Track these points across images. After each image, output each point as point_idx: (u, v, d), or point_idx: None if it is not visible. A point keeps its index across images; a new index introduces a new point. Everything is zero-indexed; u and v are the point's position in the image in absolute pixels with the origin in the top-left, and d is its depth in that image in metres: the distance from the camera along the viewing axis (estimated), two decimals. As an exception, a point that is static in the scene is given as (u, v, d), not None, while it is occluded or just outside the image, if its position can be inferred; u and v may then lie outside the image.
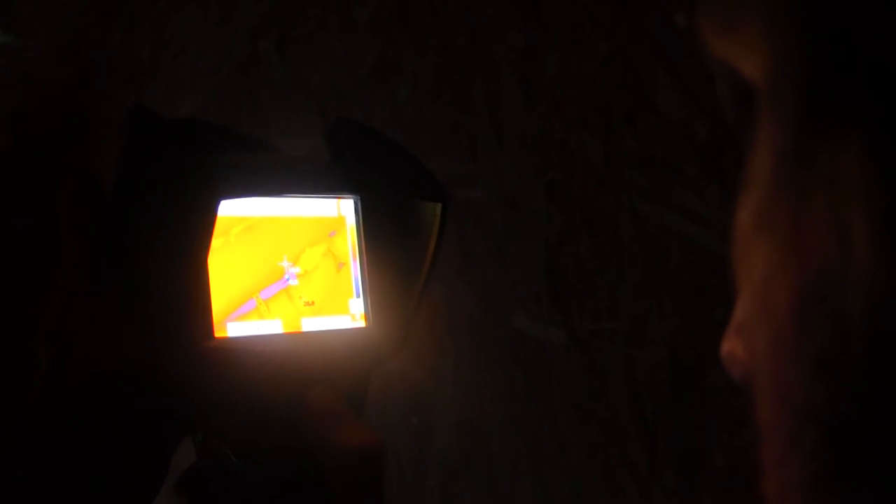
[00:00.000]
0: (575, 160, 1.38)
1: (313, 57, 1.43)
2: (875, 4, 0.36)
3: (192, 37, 1.43)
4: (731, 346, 0.44)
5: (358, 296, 0.76)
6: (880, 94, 0.35)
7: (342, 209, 0.76)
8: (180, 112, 1.43)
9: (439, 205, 0.76)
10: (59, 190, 0.66)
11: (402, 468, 1.41)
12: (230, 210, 0.70)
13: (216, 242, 0.68)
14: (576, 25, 1.37)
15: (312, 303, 0.74)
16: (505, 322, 1.39)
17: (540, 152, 1.39)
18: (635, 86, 1.37)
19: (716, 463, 1.33)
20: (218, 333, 0.69)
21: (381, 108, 1.41)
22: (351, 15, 1.42)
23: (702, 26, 0.42)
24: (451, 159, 1.40)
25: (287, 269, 0.73)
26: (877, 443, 0.36)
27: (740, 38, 0.40)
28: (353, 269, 0.76)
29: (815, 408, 0.37)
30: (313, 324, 0.74)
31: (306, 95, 1.43)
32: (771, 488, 0.39)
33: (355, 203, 0.76)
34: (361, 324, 0.76)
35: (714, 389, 1.33)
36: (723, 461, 1.33)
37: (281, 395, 0.70)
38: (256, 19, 1.43)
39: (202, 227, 0.66)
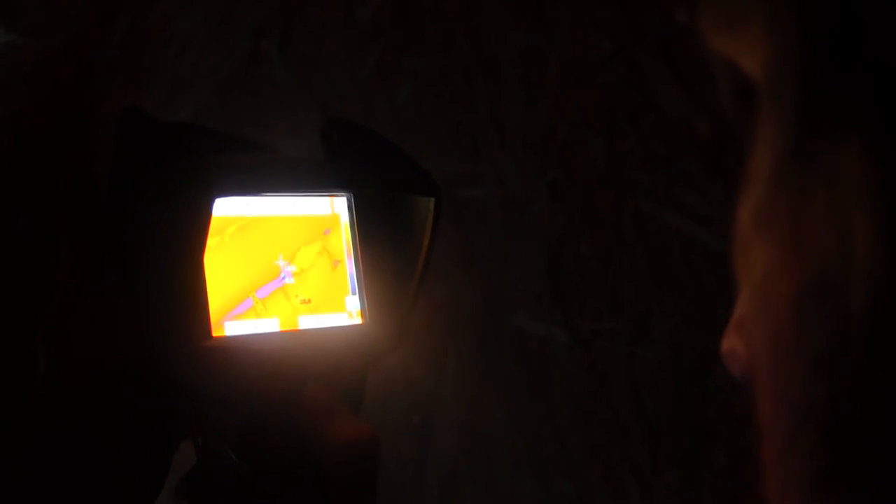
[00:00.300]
0: (576, 159, 1.38)
1: (315, 57, 1.43)
2: (876, 3, 0.36)
3: (194, 36, 1.43)
4: (731, 343, 0.44)
5: (354, 293, 0.76)
6: (881, 93, 0.35)
7: (336, 207, 0.76)
8: (181, 111, 1.43)
9: (432, 200, 0.76)
10: (58, 190, 0.66)
11: (403, 467, 1.41)
12: (225, 210, 0.70)
13: (211, 242, 0.68)
14: (577, 24, 1.37)
15: (309, 301, 0.74)
16: (506, 321, 1.39)
17: (541, 151, 1.39)
18: (637, 84, 1.37)
19: (717, 462, 1.33)
20: (215, 333, 0.69)
21: (383, 107, 1.41)
22: (352, 15, 1.42)
23: (703, 23, 0.42)
24: (452, 159, 1.40)
25: (283, 268, 0.73)
26: (876, 442, 0.36)
27: (741, 35, 0.40)
28: (349, 267, 0.76)
29: (815, 406, 0.37)
30: (310, 322, 0.74)
31: (308, 95, 1.43)
32: (771, 487, 0.39)
33: (349, 200, 0.76)
34: (358, 321, 0.76)
35: (716, 389, 1.33)
36: (724, 460, 1.33)
37: (279, 392, 0.70)
38: (258, 19, 1.43)
39: (198, 226, 0.66)
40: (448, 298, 1.39)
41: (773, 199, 0.38)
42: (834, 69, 0.36)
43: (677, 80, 1.35)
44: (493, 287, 1.40)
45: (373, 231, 0.76)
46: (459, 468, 1.40)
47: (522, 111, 1.40)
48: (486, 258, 1.40)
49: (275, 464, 0.71)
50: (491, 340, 1.40)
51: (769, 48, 0.39)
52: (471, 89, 1.41)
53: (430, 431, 1.40)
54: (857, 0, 0.36)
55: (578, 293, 1.38)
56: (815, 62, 0.37)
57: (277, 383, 0.70)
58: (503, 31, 1.39)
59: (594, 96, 1.38)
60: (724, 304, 1.35)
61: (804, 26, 0.38)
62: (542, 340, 1.38)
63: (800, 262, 0.37)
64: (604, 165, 1.38)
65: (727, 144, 1.32)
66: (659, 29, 1.35)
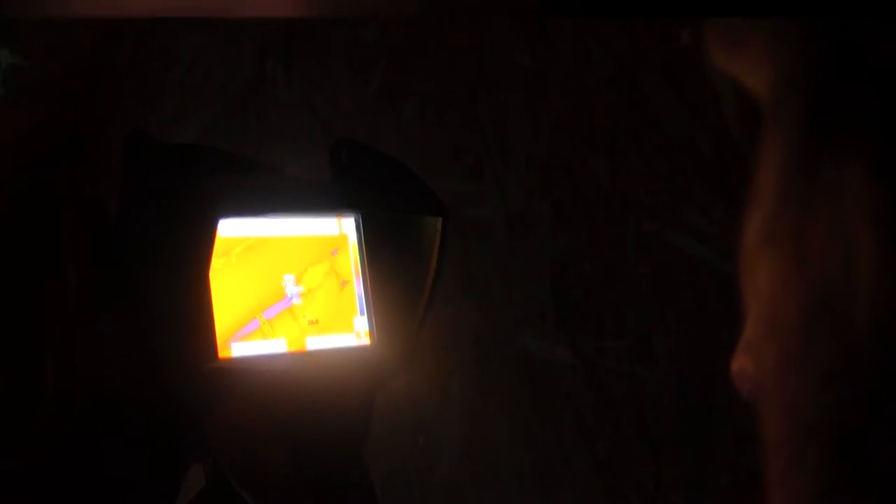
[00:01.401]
0: (580, 179, 1.39)
1: (320, 76, 1.43)
2: (879, 20, 0.36)
3: (199, 57, 1.44)
4: (740, 363, 0.44)
5: (362, 313, 0.76)
6: (885, 108, 0.36)
7: (344, 227, 0.76)
8: (187, 131, 1.43)
9: (440, 219, 0.76)
10: (63, 210, 0.66)
11: (409, 487, 1.41)
12: (231, 230, 0.70)
13: (217, 263, 0.68)
14: (581, 44, 1.37)
15: (316, 321, 0.74)
16: (510, 340, 1.39)
17: (545, 171, 1.39)
18: (640, 104, 1.37)
19: (720, 481, 1.33)
20: (221, 354, 0.68)
21: (387, 127, 1.41)
22: (357, 34, 1.42)
23: (709, 43, 0.43)
24: (456, 178, 1.40)
25: (290, 289, 0.73)
26: (880, 455, 0.36)
27: (746, 53, 0.40)
28: (357, 287, 0.76)
29: (821, 421, 0.37)
30: (318, 342, 0.74)
31: (313, 115, 1.43)
32: (776, 503, 0.40)
33: (356, 220, 0.76)
34: (366, 342, 0.76)
35: (719, 407, 1.33)
36: (727, 479, 1.33)
37: (287, 415, 0.70)
38: (263, 39, 1.43)
39: (202, 245, 0.66)
40: (452, 318, 1.39)
41: (778, 217, 0.39)
42: (837, 84, 0.37)
43: (681, 100, 1.35)
44: (496, 306, 1.40)
45: (381, 251, 0.76)
46: (465, 487, 1.40)
47: (526, 131, 1.40)
48: (489, 277, 1.40)
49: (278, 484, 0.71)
50: (495, 359, 1.40)
51: (773, 67, 0.39)
52: (475, 109, 1.41)
53: (435, 450, 1.40)
54: (860, 17, 0.36)
55: (582, 312, 1.38)
56: (818, 80, 0.37)
57: (285, 405, 0.70)
58: (508, 50, 1.40)
59: (597, 116, 1.38)
60: (726, 324, 1.36)
61: (807, 43, 0.38)
62: (546, 359, 1.38)
63: (805, 280, 0.37)
64: (607, 185, 1.38)
65: (730, 164, 1.32)
66: (662, 49, 1.35)
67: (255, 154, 0.77)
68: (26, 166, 0.68)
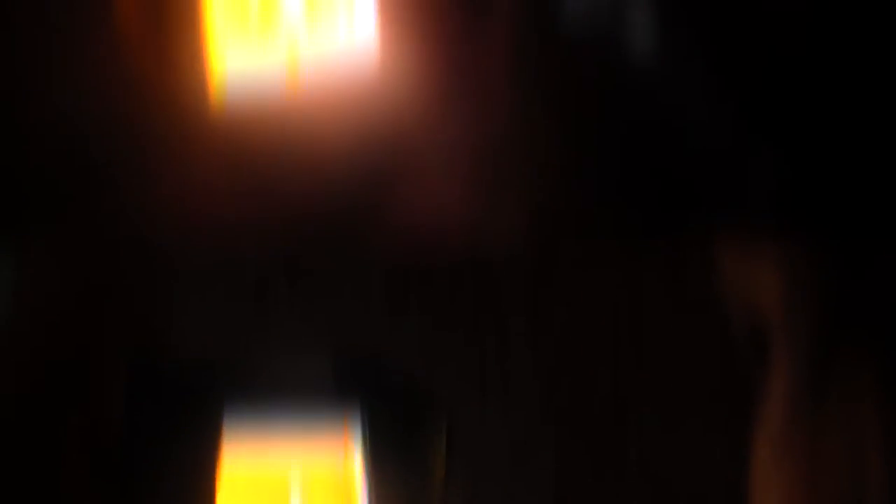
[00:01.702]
0: (584, 399, 1.39)
1: (321, 288, 1.44)
2: (883, 237, 0.36)
3: (200, 272, 1.45)
4: None
5: None
6: (892, 324, 0.35)
7: (349, 437, 0.76)
8: (190, 349, 1.43)
9: (444, 437, 0.76)
10: (68, 432, 0.66)
11: None
12: (235, 443, 0.70)
13: (223, 473, 0.68)
14: (582, 261, 1.39)
15: None
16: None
17: (547, 393, 1.40)
18: (644, 329, 1.38)
19: None
20: None
21: (390, 340, 1.41)
22: (359, 247, 1.43)
23: (716, 258, 0.42)
24: (458, 398, 1.40)
25: (295, 498, 0.73)
26: None
27: (754, 269, 0.40)
28: (361, 498, 0.76)
29: None
30: None
31: (315, 326, 1.44)
32: None
33: (363, 430, 0.76)
34: None
35: None
36: None
37: None
38: (264, 252, 1.44)
39: (208, 459, 0.66)
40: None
41: (789, 436, 0.38)
42: (844, 302, 0.36)
43: (685, 324, 1.35)
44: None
45: (385, 470, 0.76)
46: None
47: (528, 353, 1.40)
48: (492, 498, 1.39)
49: None
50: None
51: (781, 283, 0.39)
52: (476, 329, 1.42)
53: None
54: (867, 232, 0.36)
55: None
56: (826, 296, 0.37)
57: None
58: (507, 267, 1.41)
59: (602, 340, 1.39)
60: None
61: (814, 262, 0.38)
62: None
63: (816, 496, 0.36)
64: (611, 406, 1.38)
65: (736, 384, 1.32)
66: (668, 274, 1.36)
67: (259, 368, 0.77)
68: (29, 387, 0.68)
